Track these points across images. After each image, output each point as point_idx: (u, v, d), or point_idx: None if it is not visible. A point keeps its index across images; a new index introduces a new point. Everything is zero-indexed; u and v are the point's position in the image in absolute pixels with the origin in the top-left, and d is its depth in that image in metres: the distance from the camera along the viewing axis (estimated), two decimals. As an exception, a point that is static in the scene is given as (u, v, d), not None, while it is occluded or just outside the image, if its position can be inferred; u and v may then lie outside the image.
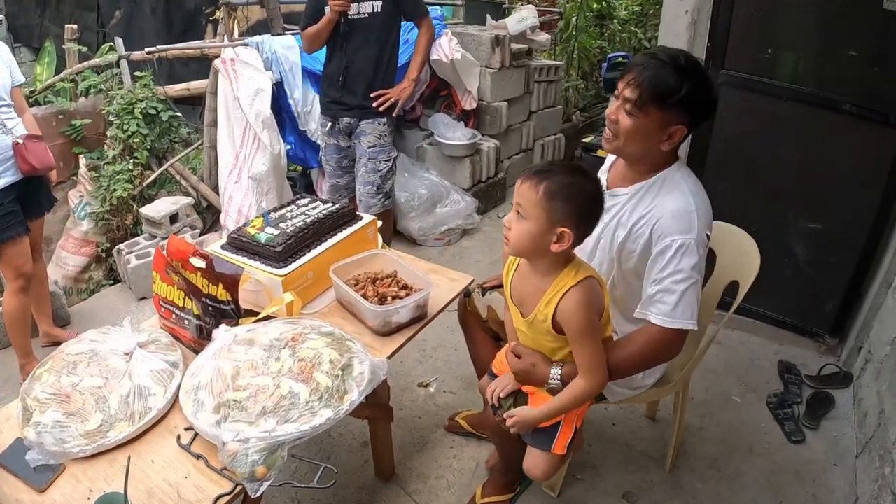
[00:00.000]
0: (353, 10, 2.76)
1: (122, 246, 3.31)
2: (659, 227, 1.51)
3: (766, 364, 2.73)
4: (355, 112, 2.92)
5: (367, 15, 2.79)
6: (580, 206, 1.37)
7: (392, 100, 2.92)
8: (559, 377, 1.52)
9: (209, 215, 3.72)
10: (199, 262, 1.65)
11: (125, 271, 3.25)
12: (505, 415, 1.59)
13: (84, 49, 4.04)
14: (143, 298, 3.23)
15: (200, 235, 3.47)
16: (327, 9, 2.74)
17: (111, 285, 3.53)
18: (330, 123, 3.00)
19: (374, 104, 2.89)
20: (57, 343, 2.90)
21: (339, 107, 2.93)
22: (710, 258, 2.06)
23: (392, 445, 2.10)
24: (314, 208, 2.02)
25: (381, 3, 2.78)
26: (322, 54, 3.00)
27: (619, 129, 1.54)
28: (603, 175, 1.84)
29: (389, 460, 2.13)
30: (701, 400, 2.51)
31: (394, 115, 2.98)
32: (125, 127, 3.51)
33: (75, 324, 3.13)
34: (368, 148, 2.96)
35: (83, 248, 3.63)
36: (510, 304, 1.59)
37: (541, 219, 1.36)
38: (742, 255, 1.93)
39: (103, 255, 3.65)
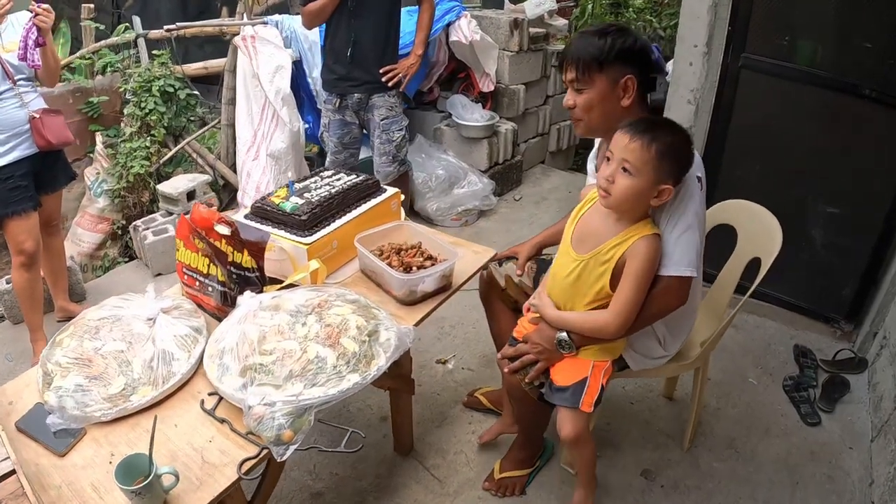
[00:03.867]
0: None
1: (138, 222, 3.31)
2: None
3: (782, 348, 2.72)
4: (366, 87, 2.93)
5: None
6: (684, 163, 1.46)
7: (400, 75, 2.94)
8: (565, 332, 1.58)
9: (226, 194, 3.72)
10: (223, 229, 1.65)
11: (141, 247, 3.26)
12: (530, 299, 1.67)
13: (102, 27, 4.04)
14: (160, 275, 3.24)
15: (216, 213, 3.47)
16: None
17: (126, 262, 3.54)
18: (337, 100, 2.99)
19: (384, 79, 2.91)
20: (72, 318, 2.90)
21: (348, 83, 2.92)
22: (731, 236, 2.06)
23: (412, 419, 2.11)
24: (338, 179, 2.02)
25: None
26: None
27: (579, 111, 1.63)
28: (591, 163, 1.90)
29: (409, 434, 2.14)
30: (718, 381, 2.51)
31: (401, 89, 3.00)
32: (143, 104, 3.51)
33: (91, 300, 3.13)
34: (382, 120, 2.99)
35: (99, 225, 3.63)
36: (566, 246, 1.61)
37: (650, 177, 1.42)
38: (764, 232, 1.93)
39: (119, 232, 3.66)
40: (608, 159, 1.47)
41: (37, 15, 2.28)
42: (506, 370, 1.71)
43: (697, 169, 1.53)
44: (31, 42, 2.31)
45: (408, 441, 2.15)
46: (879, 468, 2.09)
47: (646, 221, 1.50)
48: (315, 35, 3.37)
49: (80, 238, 3.63)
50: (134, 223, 3.33)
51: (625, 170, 1.43)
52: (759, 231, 1.96)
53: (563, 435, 1.63)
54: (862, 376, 2.56)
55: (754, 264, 1.95)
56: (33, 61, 2.35)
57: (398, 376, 1.89)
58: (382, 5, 2.82)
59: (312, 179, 2.04)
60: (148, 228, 3.25)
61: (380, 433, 2.22)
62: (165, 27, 3.54)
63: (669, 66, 3.30)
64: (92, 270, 3.62)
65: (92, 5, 4.10)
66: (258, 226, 1.87)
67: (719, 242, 2.12)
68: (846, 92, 2.52)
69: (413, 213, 3.72)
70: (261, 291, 1.70)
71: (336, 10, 2.78)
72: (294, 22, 3.40)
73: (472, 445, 2.19)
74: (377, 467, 2.11)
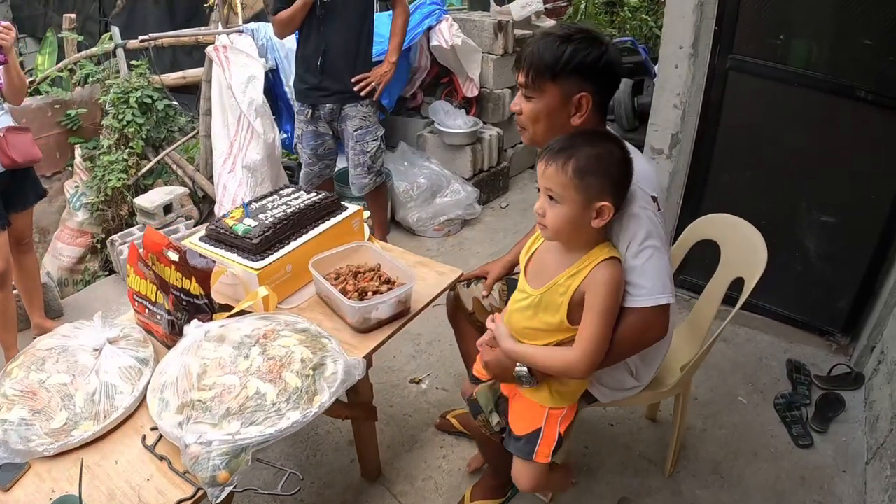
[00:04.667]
0: None
1: (115, 237, 3.26)
2: None
3: (775, 363, 2.61)
4: (337, 97, 2.86)
5: None
6: (613, 175, 1.30)
7: (373, 84, 2.85)
8: (526, 368, 1.45)
9: (205, 206, 3.66)
10: (173, 255, 1.59)
11: (118, 262, 3.20)
12: (487, 320, 1.54)
13: (81, 38, 3.98)
14: (137, 290, 3.19)
15: (196, 226, 3.41)
16: None
17: (107, 276, 3.48)
18: (309, 111, 2.92)
19: (356, 89, 2.82)
20: (49, 335, 2.87)
21: (320, 93, 2.85)
22: (715, 252, 1.95)
23: (377, 445, 2.03)
24: (297, 198, 1.94)
25: None
26: None
27: (524, 118, 1.49)
28: None
29: (375, 461, 2.06)
30: (705, 400, 2.41)
31: (374, 98, 2.91)
32: (120, 116, 3.45)
33: (68, 315, 3.09)
34: (355, 131, 2.91)
35: (79, 238, 3.58)
36: (522, 280, 1.50)
37: (576, 200, 1.29)
38: (748, 250, 1.81)
39: (98, 245, 3.61)
40: (538, 189, 1.36)
41: None
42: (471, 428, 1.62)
43: (650, 187, 1.40)
44: None
45: (375, 467, 2.07)
46: (874, 494, 1.99)
47: (602, 246, 1.37)
48: (291, 43, 3.29)
49: (61, 252, 3.58)
50: (111, 237, 3.28)
51: (551, 198, 1.31)
52: (742, 248, 1.84)
53: (520, 488, 1.54)
54: (858, 393, 2.45)
55: (740, 280, 1.85)
56: None
57: (358, 405, 1.82)
58: (352, 12, 2.73)
59: (270, 199, 1.96)
60: (125, 243, 3.19)
61: (347, 457, 2.14)
62: (140, 38, 3.47)
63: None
64: (73, 284, 3.57)
65: (73, 16, 4.05)
66: (210, 248, 1.80)
67: (705, 256, 2.02)
68: (839, 94, 2.41)
69: (394, 223, 3.64)
70: (210, 319, 1.63)
71: (306, 18, 2.70)
72: (270, 30, 3.33)
73: (443, 471, 2.11)
74: (343, 494, 2.03)
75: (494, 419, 1.59)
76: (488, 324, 1.55)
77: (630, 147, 1.41)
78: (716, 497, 2.02)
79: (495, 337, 1.52)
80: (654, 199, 1.40)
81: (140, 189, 3.58)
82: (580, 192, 1.28)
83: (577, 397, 1.54)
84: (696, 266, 2.09)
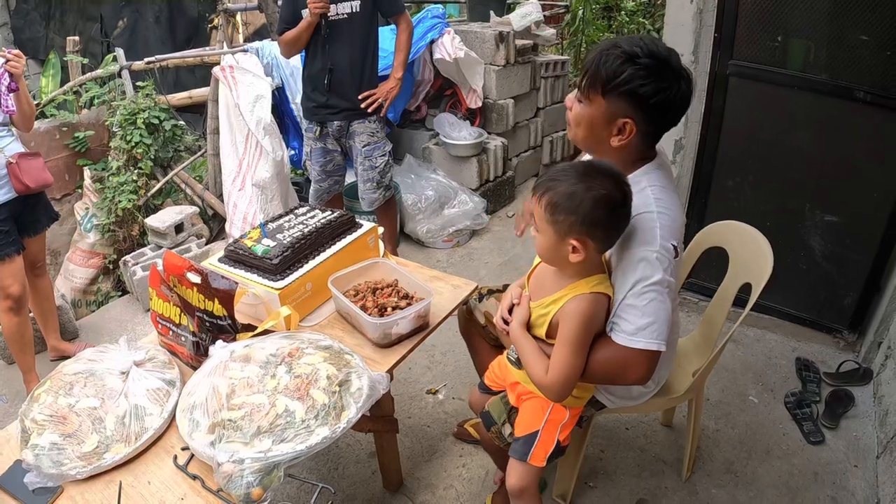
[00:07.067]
0: (332, 11, 2.72)
1: (128, 257, 3.30)
2: (621, 237, 1.38)
3: (784, 362, 2.65)
4: (345, 115, 2.90)
5: (346, 15, 2.75)
6: (585, 215, 1.27)
7: (380, 100, 2.89)
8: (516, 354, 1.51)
9: (215, 224, 3.70)
10: (195, 278, 1.62)
11: (132, 283, 3.24)
12: (523, 297, 1.54)
13: (85, 61, 4.03)
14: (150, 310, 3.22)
15: (207, 244, 3.45)
16: (304, 12, 2.70)
17: (119, 297, 3.52)
18: (318, 128, 2.96)
19: (363, 105, 2.86)
20: (65, 357, 2.90)
21: (327, 111, 2.89)
22: (723, 259, 2.00)
23: (399, 456, 2.06)
24: (312, 217, 1.98)
25: (359, 2, 2.74)
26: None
27: (571, 118, 1.47)
28: None
29: (397, 472, 2.09)
30: (717, 401, 2.44)
31: (381, 114, 2.95)
32: (128, 137, 3.50)
33: (83, 337, 3.12)
34: (363, 147, 2.95)
35: (90, 260, 3.62)
36: (526, 285, 1.57)
37: (549, 233, 1.32)
38: (756, 257, 1.84)
39: (111, 266, 3.64)
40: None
41: (8, 61, 2.28)
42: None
43: (672, 235, 1.36)
44: (3, 88, 2.30)
45: (396, 478, 2.10)
46: (885, 487, 2.02)
47: (590, 279, 1.38)
48: (297, 60, 3.34)
49: (73, 274, 3.61)
50: (123, 258, 3.31)
51: (536, 228, 1.36)
52: (751, 255, 1.88)
53: (508, 484, 1.58)
54: (867, 388, 2.49)
55: (748, 285, 1.89)
56: (7, 107, 2.34)
57: (379, 418, 1.85)
58: (357, 30, 2.77)
59: (286, 218, 2.00)
60: (137, 263, 3.23)
61: (368, 469, 2.18)
62: (146, 59, 3.52)
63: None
64: (86, 305, 3.61)
65: (77, 38, 4.10)
66: (229, 269, 1.84)
67: (711, 259, 2.06)
68: (839, 95, 2.45)
69: (404, 235, 3.68)
70: (234, 339, 1.67)
71: (311, 37, 2.75)
72: (275, 48, 3.38)
73: (463, 479, 2.14)
74: (366, 506, 2.07)
75: (507, 430, 1.62)
76: (523, 300, 1.55)
77: (659, 192, 1.39)
78: (731, 496, 2.06)
79: (515, 314, 1.54)
80: (675, 247, 1.37)
81: (150, 209, 3.62)
82: (552, 226, 1.31)
83: (580, 403, 1.59)
84: (703, 269, 2.13)
